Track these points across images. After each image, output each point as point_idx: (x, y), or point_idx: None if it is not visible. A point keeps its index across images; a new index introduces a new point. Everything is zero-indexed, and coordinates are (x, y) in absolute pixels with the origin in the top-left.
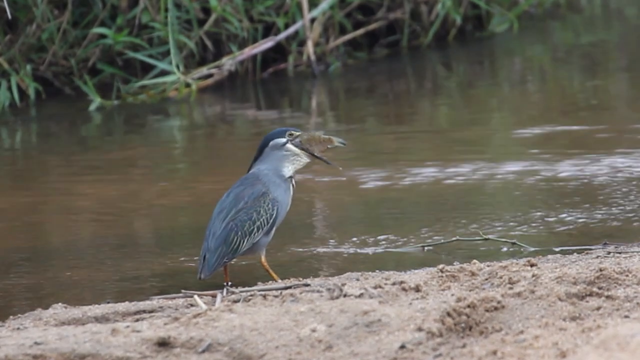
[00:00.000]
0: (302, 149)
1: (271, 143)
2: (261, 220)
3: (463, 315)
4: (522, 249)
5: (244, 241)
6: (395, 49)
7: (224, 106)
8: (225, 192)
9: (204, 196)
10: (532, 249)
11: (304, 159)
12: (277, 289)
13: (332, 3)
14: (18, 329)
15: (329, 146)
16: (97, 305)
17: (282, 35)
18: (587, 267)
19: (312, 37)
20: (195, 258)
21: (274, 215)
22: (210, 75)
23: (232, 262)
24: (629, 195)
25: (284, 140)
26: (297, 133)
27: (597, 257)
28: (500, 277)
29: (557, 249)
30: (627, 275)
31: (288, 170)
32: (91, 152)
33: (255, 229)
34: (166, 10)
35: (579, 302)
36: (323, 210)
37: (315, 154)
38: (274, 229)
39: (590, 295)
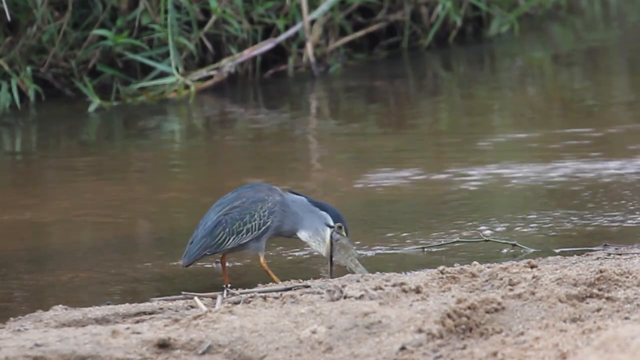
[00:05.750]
0: (331, 243)
1: (323, 213)
2: (253, 224)
3: (463, 316)
4: (522, 251)
5: (229, 239)
6: (396, 50)
7: (224, 108)
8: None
9: (204, 198)
10: (533, 250)
11: (321, 249)
12: (277, 291)
13: (332, 5)
14: (18, 330)
15: (352, 268)
16: (97, 307)
17: (282, 37)
18: (587, 268)
19: (312, 38)
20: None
21: (267, 224)
22: (210, 77)
23: (233, 264)
24: (629, 197)
25: (331, 223)
26: (343, 234)
27: (598, 258)
28: (501, 279)
29: (557, 251)
30: (627, 277)
31: (303, 235)
32: (91, 153)
33: (245, 231)
34: (166, 11)
35: (580, 303)
36: None
37: (333, 258)
38: (265, 237)
39: (591, 296)
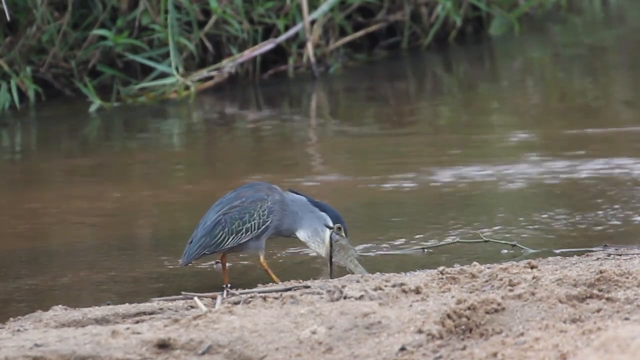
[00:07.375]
0: (330, 244)
1: (322, 214)
2: (252, 223)
3: (463, 317)
4: (522, 251)
5: (229, 238)
6: (396, 50)
7: (224, 108)
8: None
9: (204, 198)
10: (533, 251)
11: (320, 250)
12: (277, 291)
13: (332, 5)
14: (18, 330)
15: (352, 269)
16: (97, 307)
17: (282, 37)
18: (587, 269)
19: (312, 39)
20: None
21: (267, 224)
22: (210, 77)
23: (233, 264)
24: (629, 197)
25: (330, 224)
26: (342, 235)
27: (598, 259)
28: (501, 279)
29: (557, 251)
30: (627, 278)
31: (302, 235)
32: (91, 154)
33: (244, 230)
34: (166, 12)
35: (580, 304)
36: None
37: (333, 259)
38: (264, 237)
39: (591, 297)
